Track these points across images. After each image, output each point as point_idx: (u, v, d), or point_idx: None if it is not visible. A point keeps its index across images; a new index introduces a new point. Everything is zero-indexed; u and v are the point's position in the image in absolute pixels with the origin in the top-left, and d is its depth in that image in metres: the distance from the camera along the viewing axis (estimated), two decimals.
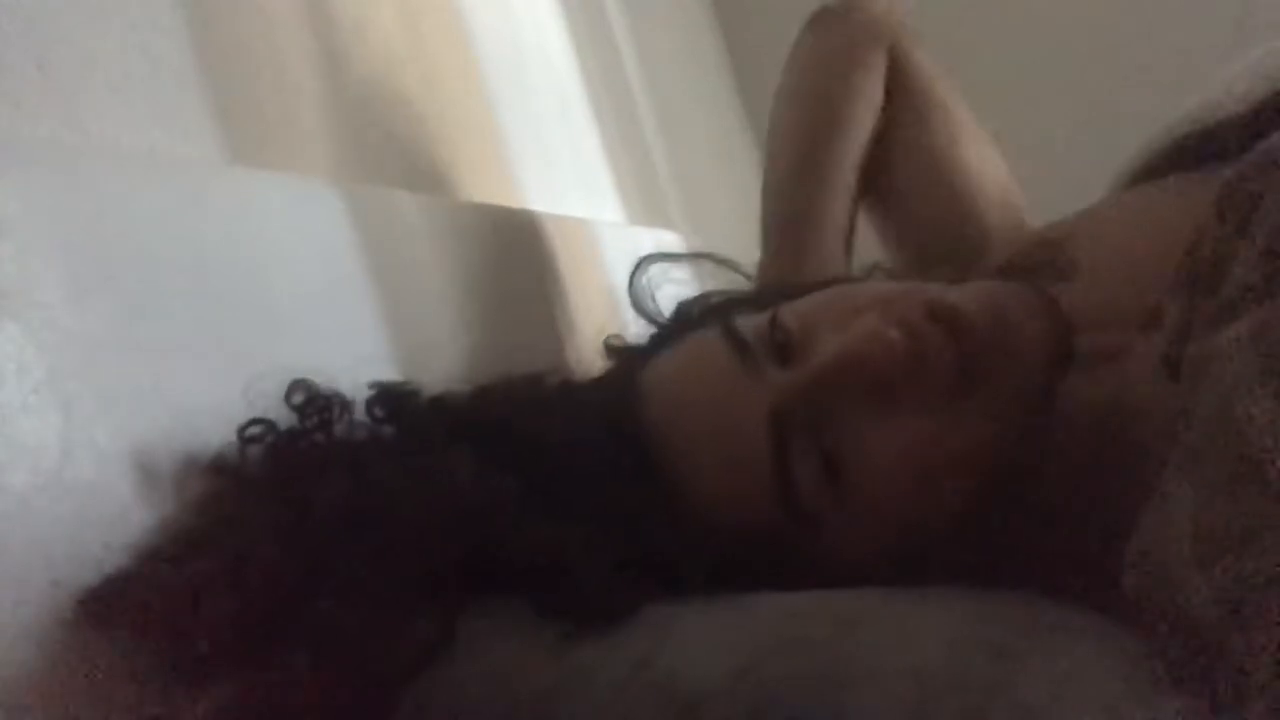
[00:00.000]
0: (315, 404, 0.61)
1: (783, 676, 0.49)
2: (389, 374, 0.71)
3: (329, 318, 0.73)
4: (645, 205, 1.61)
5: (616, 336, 0.87)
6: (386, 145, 0.98)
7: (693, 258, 1.03)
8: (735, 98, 2.33)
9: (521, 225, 1.06)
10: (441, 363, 0.82)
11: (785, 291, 0.77)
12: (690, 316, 0.83)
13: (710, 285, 0.98)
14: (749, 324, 0.67)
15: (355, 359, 0.70)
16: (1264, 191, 0.51)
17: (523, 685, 0.52)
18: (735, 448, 0.62)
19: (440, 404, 0.69)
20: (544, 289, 1.04)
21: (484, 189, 1.14)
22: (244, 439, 0.59)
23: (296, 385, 0.62)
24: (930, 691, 0.46)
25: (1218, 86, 0.81)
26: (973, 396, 0.61)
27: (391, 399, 0.66)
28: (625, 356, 0.82)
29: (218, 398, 0.59)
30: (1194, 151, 0.80)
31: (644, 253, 0.99)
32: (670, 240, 1.46)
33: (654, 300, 0.92)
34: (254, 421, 0.59)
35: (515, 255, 1.02)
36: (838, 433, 0.61)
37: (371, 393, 0.66)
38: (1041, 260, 0.74)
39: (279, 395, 0.62)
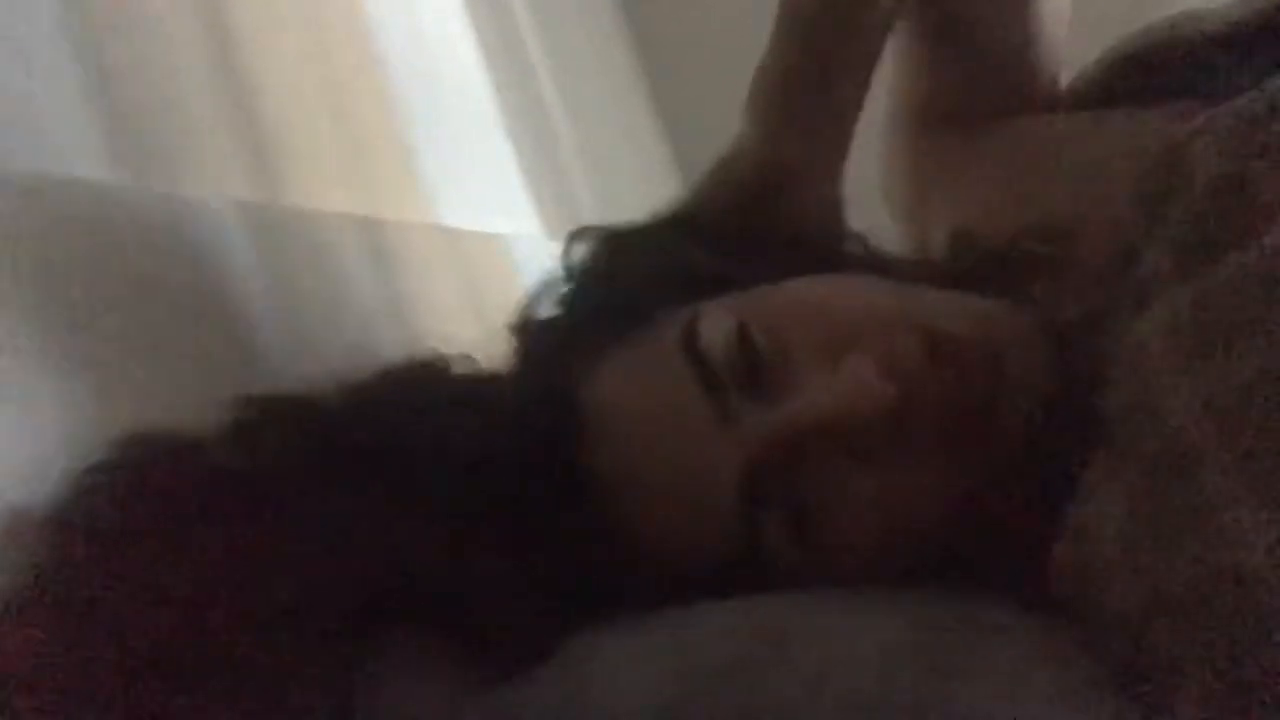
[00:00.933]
0: (165, 444, 0.55)
1: (709, 714, 0.46)
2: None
3: (209, 338, 0.69)
4: (563, 218, 1.59)
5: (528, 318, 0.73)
6: (289, 162, 0.96)
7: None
8: (650, 107, 2.31)
9: (431, 240, 1.04)
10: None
11: (743, 255, 0.69)
12: (634, 296, 0.68)
13: None
14: (712, 334, 0.58)
15: (239, 378, 0.67)
16: (1177, 180, 0.50)
17: None
18: (698, 496, 0.56)
19: (324, 414, 0.60)
20: (456, 305, 1.02)
21: (394, 205, 1.11)
22: (82, 490, 0.52)
23: (132, 438, 0.55)
24: (864, 715, 0.45)
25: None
26: (962, 447, 0.56)
27: (262, 419, 0.59)
28: (549, 346, 0.69)
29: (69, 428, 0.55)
30: (1169, 68, 0.76)
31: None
32: None
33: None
34: (92, 468, 0.52)
35: (425, 271, 0.99)
36: (811, 484, 0.56)
37: (237, 412, 0.59)
38: (1040, 253, 0.66)
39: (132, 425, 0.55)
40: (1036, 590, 0.50)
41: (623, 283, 0.69)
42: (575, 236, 0.75)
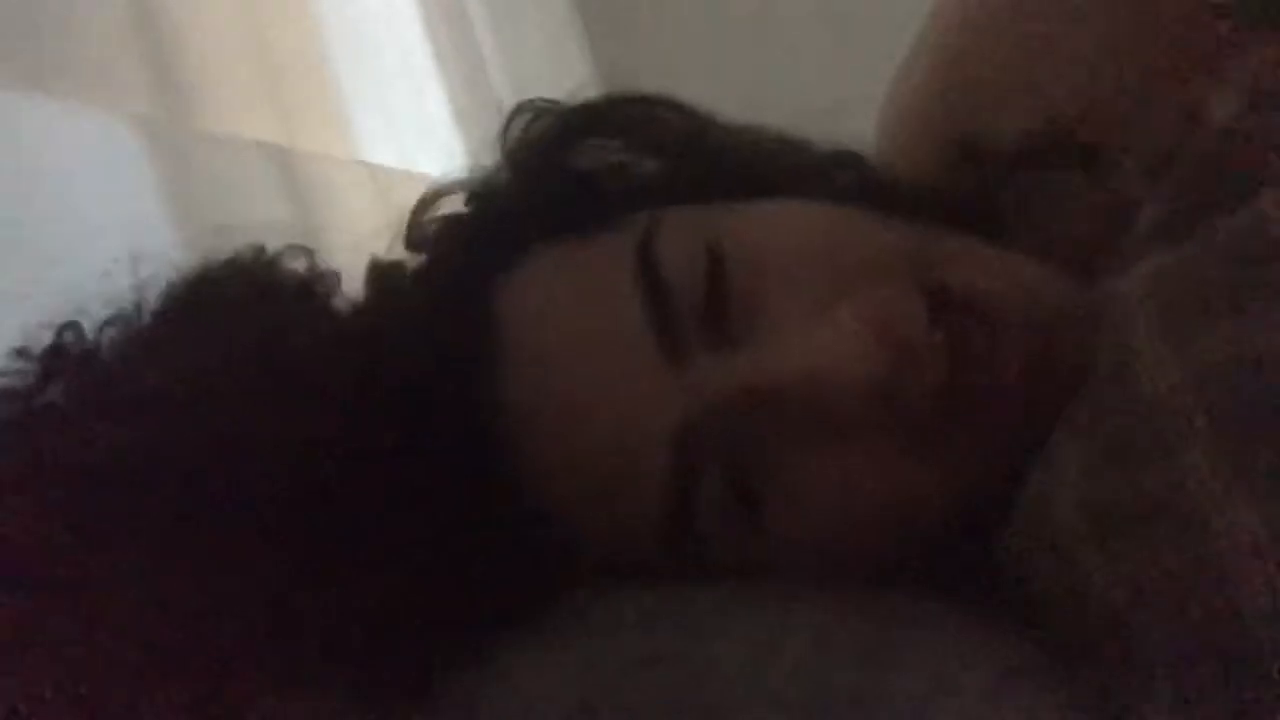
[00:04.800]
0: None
1: (629, 707, 0.41)
2: None
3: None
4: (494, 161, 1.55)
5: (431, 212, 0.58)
6: (200, 83, 0.91)
7: None
8: (587, 48, 2.28)
9: (351, 176, 0.99)
10: None
11: (702, 163, 0.56)
12: (580, 188, 0.55)
13: None
14: (675, 256, 0.47)
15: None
16: (1180, 143, 0.47)
17: None
18: (625, 444, 0.46)
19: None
20: (377, 244, 0.97)
21: (314, 137, 1.06)
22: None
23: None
24: (793, 712, 0.41)
25: None
26: (951, 441, 0.46)
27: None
28: (457, 241, 0.55)
29: None
30: None
31: None
32: None
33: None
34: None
35: (343, 206, 0.94)
36: (761, 455, 0.46)
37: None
38: (1057, 148, 0.53)
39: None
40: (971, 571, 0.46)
41: (564, 172, 0.56)
42: (518, 111, 0.59)
